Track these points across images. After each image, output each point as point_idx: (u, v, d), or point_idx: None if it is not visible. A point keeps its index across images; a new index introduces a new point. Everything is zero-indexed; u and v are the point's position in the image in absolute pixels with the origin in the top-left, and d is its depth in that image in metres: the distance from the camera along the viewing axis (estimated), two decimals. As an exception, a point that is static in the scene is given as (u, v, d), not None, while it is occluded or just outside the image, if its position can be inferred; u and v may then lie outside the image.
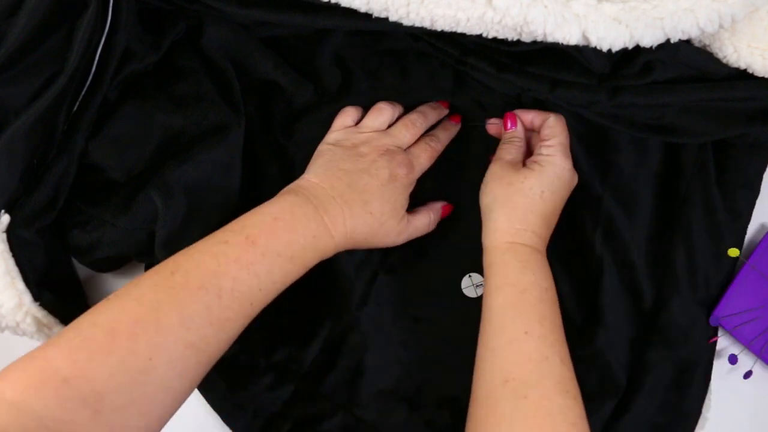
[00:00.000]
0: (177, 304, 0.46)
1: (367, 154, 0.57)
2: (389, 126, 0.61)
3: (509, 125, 0.62)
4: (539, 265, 0.55)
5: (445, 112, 0.64)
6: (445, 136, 0.62)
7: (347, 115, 0.61)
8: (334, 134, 0.60)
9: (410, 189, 0.59)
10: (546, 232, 0.57)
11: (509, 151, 0.60)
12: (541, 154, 0.59)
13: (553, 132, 0.59)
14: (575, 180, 0.59)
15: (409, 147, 0.60)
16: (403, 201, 0.58)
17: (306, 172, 0.58)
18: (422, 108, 0.62)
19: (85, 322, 0.44)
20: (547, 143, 0.59)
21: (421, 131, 0.61)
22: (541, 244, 0.57)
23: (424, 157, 0.60)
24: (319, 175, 0.56)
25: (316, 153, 0.60)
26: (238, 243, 0.50)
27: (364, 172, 0.56)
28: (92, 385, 0.41)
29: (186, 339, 0.45)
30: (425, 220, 0.60)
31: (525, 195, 0.56)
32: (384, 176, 0.56)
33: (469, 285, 0.62)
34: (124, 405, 0.42)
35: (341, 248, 0.55)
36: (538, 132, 0.61)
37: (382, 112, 0.61)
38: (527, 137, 0.62)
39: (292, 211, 0.53)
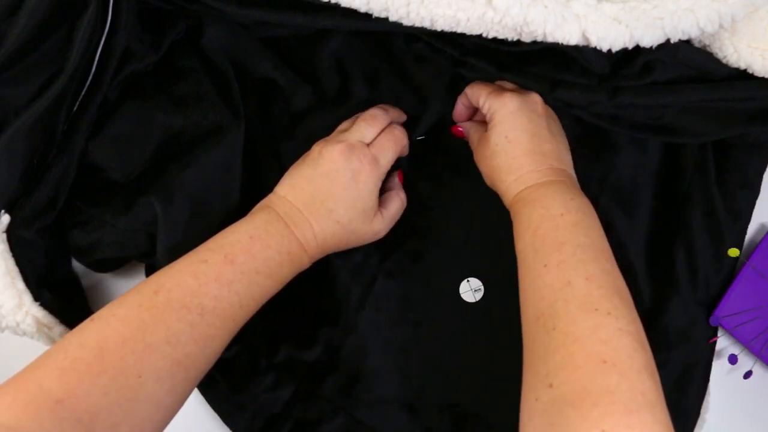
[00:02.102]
0: (162, 323, 0.47)
1: (327, 155, 0.56)
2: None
3: (461, 132, 0.63)
4: (548, 194, 0.53)
5: (404, 117, 0.63)
6: (399, 119, 0.61)
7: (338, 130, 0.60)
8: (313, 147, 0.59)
9: (378, 185, 0.57)
10: (542, 162, 0.55)
11: (471, 136, 0.61)
12: (487, 117, 0.58)
13: (476, 93, 0.59)
14: (529, 101, 0.58)
15: (373, 140, 0.58)
16: (369, 201, 0.56)
17: (278, 185, 0.57)
18: (381, 105, 0.61)
19: (71, 343, 0.45)
20: (481, 105, 0.59)
21: (383, 124, 0.59)
22: (546, 174, 0.55)
23: (389, 148, 0.57)
24: (285, 187, 0.56)
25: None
26: (217, 262, 0.50)
27: (325, 177, 0.55)
28: (85, 405, 0.42)
29: (172, 356, 0.46)
30: (397, 203, 0.59)
31: (496, 153, 0.56)
32: (346, 178, 0.55)
33: (467, 290, 0.62)
34: (117, 422, 0.43)
35: (316, 258, 0.56)
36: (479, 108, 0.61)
37: (353, 119, 0.59)
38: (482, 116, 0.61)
39: (266, 228, 0.53)
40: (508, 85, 0.60)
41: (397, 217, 0.59)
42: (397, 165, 0.62)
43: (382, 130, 0.58)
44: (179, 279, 0.49)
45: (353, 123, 0.59)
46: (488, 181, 0.59)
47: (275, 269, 0.53)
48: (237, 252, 0.51)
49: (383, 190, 0.59)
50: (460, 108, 0.63)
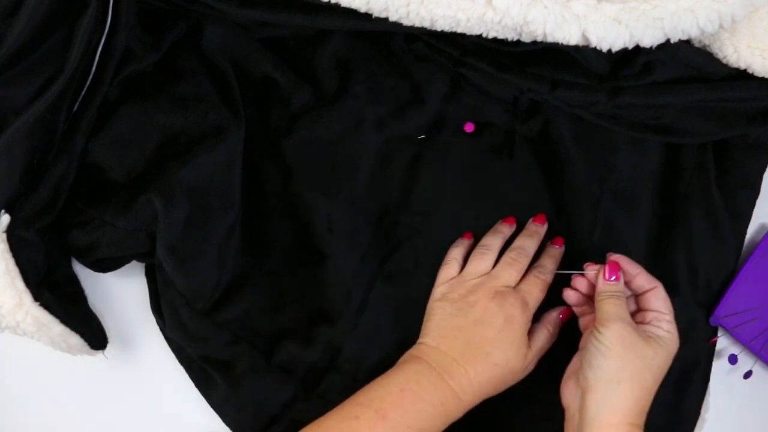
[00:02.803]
0: None
1: (477, 303, 0.56)
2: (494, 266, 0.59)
3: (609, 275, 0.55)
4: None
5: (543, 230, 0.61)
6: (551, 263, 0.60)
7: (449, 267, 0.60)
8: (439, 288, 0.59)
9: (528, 326, 0.56)
10: (639, 418, 0.51)
11: (624, 308, 0.54)
12: (661, 328, 0.54)
13: (667, 306, 0.55)
14: (474, 298, 0.57)
15: (518, 284, 0.58)
16: (523, 341, 0.55)
17: (421, 335, 0.57)
18: (519, 241, 0.60)
19: None
20: (667, 318, 0.54)
21: (526, 266, 0.58)
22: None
23: (536, 292, 0.57)
24: (435, 338, 0.56)
25: (426, 312, 0.59)
26: (369, 418, 0.51)
27: (478, 324, 0.55)
28: None
29: None
30: (544, 337, 0.57)
31: (653, 374, 0.52)
32: (499, 322, 0.55)
33: (467, 289, 0.62)
34: None
35: (472, 405, 0.55)
36: (637, 293, 0.56)
37: (485, 256, 0.59)
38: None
39: (418, 380, 0.53)
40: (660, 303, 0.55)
41: (544, 349, 0.58)
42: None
43: (527, 273, 0.58)
44: None
45: (490, 262, 0.58)
46: (609, 363, 0.51)
47: (428, 422, 0.52)
48: (388, 407, 0.51)
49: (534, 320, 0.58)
50: (595, 271, 0.57)
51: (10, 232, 0.51)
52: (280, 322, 0.61)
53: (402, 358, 0.56)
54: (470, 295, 0.57)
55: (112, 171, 0.57)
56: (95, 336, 0.58)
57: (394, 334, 0.61)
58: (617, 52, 0.52)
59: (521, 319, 0.56)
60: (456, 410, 0.53)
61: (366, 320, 0.61)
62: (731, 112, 0.59)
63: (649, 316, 0.55)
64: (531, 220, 0.62)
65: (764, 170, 0.64)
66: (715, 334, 0.63)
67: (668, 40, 0.52)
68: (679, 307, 0.61)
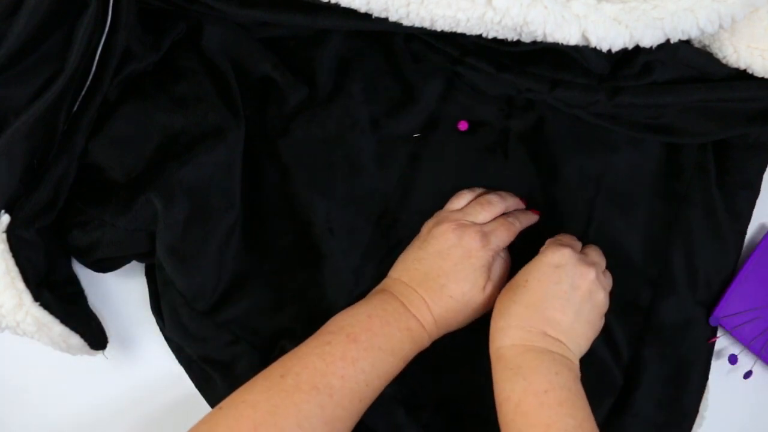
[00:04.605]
0: (292, 406, 0.48)
1: (440, 235, 0.57)
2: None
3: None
4: (533, 365, 0.51)
5: (533, 216, 0.62)
6: (525, 219, 0.60)
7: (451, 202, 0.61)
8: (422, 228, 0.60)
9: (490, 264, 0.56)
10: (540, 324, 0.53)
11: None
12: (540, 251, 0.57)
13: (562, 237, 0.59)
14: (581, 270, 0.54)
15: (488, 222, 0.58)
16: (480, 274, 0.56)
17: (391, 270, 0.59)
18: (502, 192, 0.61)
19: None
20: (551, 240, 0.58)
21: (497, 211, 0.59)
22: (536, 339, 0.52)
23: (501, 231, 0.57)
24: (398, 270, 0.58)
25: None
26: (341, 341, 0.52)
27: (437, 256, 0.56)
28: None
29: None
30: (499, 263, 0.58)
31: (509, 288, 0.55)
32: (457, 254, 0.55)
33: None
34: None
35: (435, 336, 0.56)
36: None
37: (461, 198, 0.60)
38: None
39: (384, 307, 0.54)
40: (591, 251, 0.58)
41: (504, 277, 0.58)
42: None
43: (497, 217, 0.58)
44: (306, 361, 0.50)
45: (466, 204, 0.59)
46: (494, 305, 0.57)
47: (397, 345, 0.53)
48: (359, 330, 0.52)
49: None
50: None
51: (10, 232, 0.51)
52: (280, 322, 0.61)
53: (370, 293, 0.57)
54: (435, 228, 0.57)
55: (112, 171, 0.57)
56: (95, 336, 0.58)
57: None
58: (617, 52, 0.52)
59: (481, 254, 0.56)
60: (422, 337, 0.55)
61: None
62: (731, 112, 0.59)
63: None
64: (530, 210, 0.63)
65: (764, 170, 0.64)
66: (714, 334, 0.63)
67: (668, 41, 0.52)
68: (675, 306, 0.62)
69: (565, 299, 0.53)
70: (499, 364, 0.53)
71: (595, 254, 0.58)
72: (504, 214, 0.59)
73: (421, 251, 0.57)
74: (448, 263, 0.56)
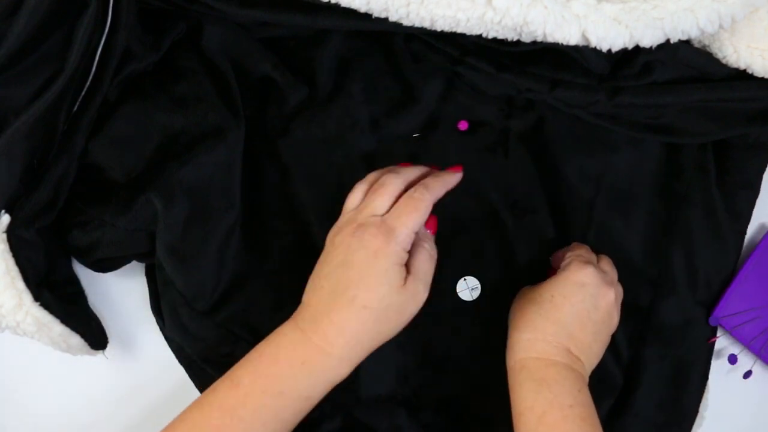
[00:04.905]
0: None
1: (341, 243, 0.50)
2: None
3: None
4: (558, 378, 0.51)
5: (449, 175, 0.55)
6: (436, 183, 0.52)
7: (348, 200, 0.54)
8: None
9: (402, 256, 0.49)
10: (565, 341, 0.52)
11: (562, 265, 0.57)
12: (561, 267, 0.56)
13: (571, 247, 0.58)
14: (603, 291, 0.54)
15: (391, 209, 0.51)
16: (394, 272, 0.49)
17: (305, 292, 0.53)
18: (395, 167, 0.54)
19: None
20: (566, 256, 0.57)
21: (398, 190, 0.52)
22: (560, 354, 0.52)
23: (405, 216, 0.49)
24: (307, 293, 0.51)
25: None
26: (223, 388, 0.49)
27: (341, 266, 0.49)
28: None
29: None
30: (424, 256, 0.51)
31: (534, 302, 0.54)
32: (361, 259, 0.48)
33: (464, 288, 0.62)
34: None
35: (356, 359, 0.50)
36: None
37: (354, 192, 0.54)
38: None
39: (278, 342, 0.50)
40: (606, 266, 0.58)
41: (430, 271, 0.51)
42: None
43: (402, 196, 0.51)
44: (186, 415, 0.49)
45: (362, 197, 0.53)
46: (510, 316, 0.57)
47: (287, 384, 0.48)
48: (242, 374, 0.49)
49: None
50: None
51: (10, 232, 0.51)
52: (280, 322, 0.60)
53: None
54: (336, 236, 0.51)
55: (112, 171, 0.57)
56: (95, 336, 0.58)
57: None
58: (617, 52, 0.52)
59: (387, 250, 0.48)
60: (328, 367, 0.49)
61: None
62: (731, 112, 0.59)
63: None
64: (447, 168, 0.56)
65: (764, 170, 0.64)
66: (714, 334, 0.63)
67: (668, 40, 0.52)
68: (675, 306, 0.62)
69: (587, 319, 0.53)
70: (521, 374, 0.52)
71: (610, 268, 0.58)
72: (408, 190, 0.52)
73: (326, 266, 0.50)
74: (353, 272, 0.48)
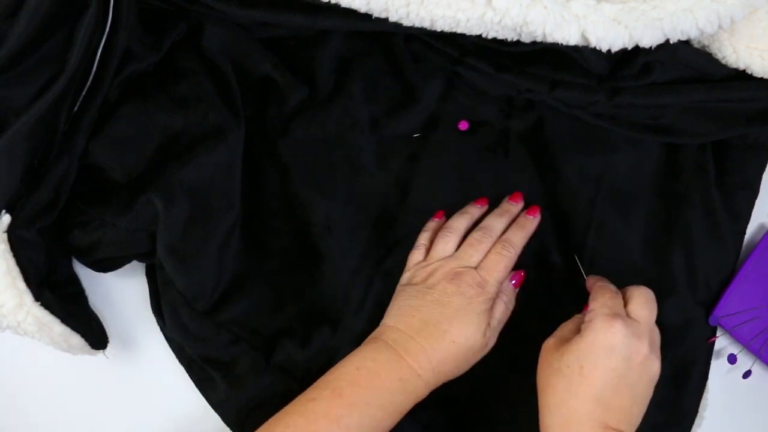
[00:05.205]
0: None
1: (436, 285, 0.56)
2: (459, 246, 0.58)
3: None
4: None
5: (517, 209, 0.61)
6: (519, 236, 0.58)
7: (416, 252, 0.60)
8: (406, 274, 0.59)
9: (490, 305, 0.56)
10: (601, 416, 0.48)
11: (564, 325, 0.54)
12: (584, 323, 0.51)
13: (594, 294, 0.53)
14: (636, 346, 0.49)
15: (481, 262, 0.57)
16: (482, 318, 0.55)
17: (384, 317, 0.57)
18: (487, 221, 0.59)
19: None
20: (590, 308, 0.52)
21: (489, 245, 0.58)
22: None
23: (497, 270, 0.56)
24: (393, 318, 0.56)
25: (392, 297, 0.59)
26: (325, 398, 0.51)
27: (436, 304, 0.55)
28: None
29: None
30: (501, 308, 0.57)
31: (561, 373, 0.50)
32: (456, 302, 0.55)
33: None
34: None
35: (434, 385, 0.54)
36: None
37: (447, 239, 0.59)
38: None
39: (374, 358, 0.53)
40: (638, 308, 0.52)
41: (503, 322, 0.57)
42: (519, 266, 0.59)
43: (494, 247, 0.57)
44: (288, 420, 0.50)
45: (455, 246, 0.58)
46: (538, 384, 0.52)
47: (387, 398, 0.52)
48: (344, 385, 0.51)
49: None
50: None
51: (11, 232, 0.51)
52: (280, 322, 0.61)
53: (364, 342, 0.56)
54: (430, 278, 0.57)
55: (113, 171, 0.57)
56: (96, 336, 0.58)
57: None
58: (617, 53, 0.52)
59: (479, 299, 0.55)
60: (417, 387, 0.53)
61: (365, 318, 0.61)
62: (730, 113, 0.59)
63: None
64: (506, 198, 0.61)
65: (763, 170, 0.64)
66: (713, 334, 0.63)
67: (668, 41, 0.52)
68: (675, 306, 0.62)
69: (622, 384, 0.49)
70: None
71: (641, 308, 0.52)
72: (501, 239, 0.58)
73: (418, 300, 0.56)
74: (449, 310, 0.55)
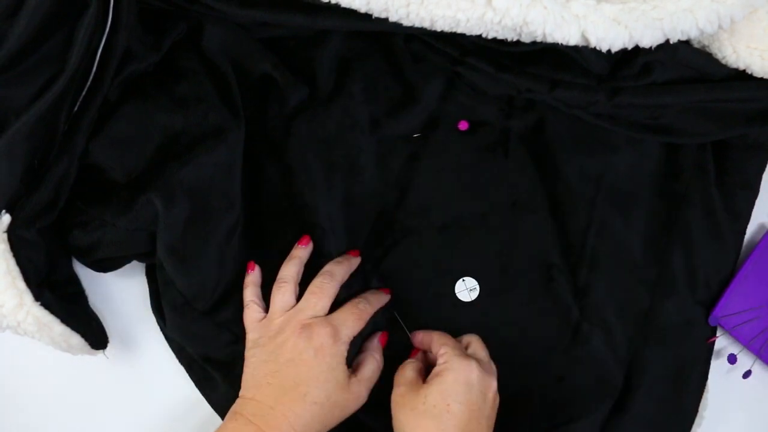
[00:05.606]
0: None
1: (286, 342, 0.54)
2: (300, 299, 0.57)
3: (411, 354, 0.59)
4: None
5: (356, 261, 0.60)
6: (375, 299, 0.59)
7: (250, 310, 0.58)
8: (251, 335, 0.57)
9: (344, 354, 0.55)
10: None
11: (403, 373, 0.56)
12: (438, 365, 0.54)
13: (439, 340, 0.56)
14: (488, 382, 0.54)
15: (334, 312, 0.56)
16: (340, 371, 0.54)
17: (242, 386, 0.55)
18: (327, 267, 0.58)
19: None
20: (440, 352, 0.55)
21: (334, 292, 0.57)
22: None
23: (350, 321, 0.56)
24: (250, 389, 0.54)
25: (245, 361, 0.57)
26: None
27: (290, 363, 0.53)
28: None
29: None
30: (372, 365, 0.57)
31: (429, 415, 0.51)
32: (310, 357, 0.53)
33: (462, 289, 0.62)
34: None
35: None
36: (433, 353, 0.57)
37: (284, 290, 0.57)
38: (427, 358, 0.59)
39: None
40: (479, 349, 0.56)
41: (374, 378, 0.57)
42: (380, 327, 0.60)
43: (345, 304, 0.57)
44: None
45: (292, 296, 0.57)
46: (396, 424, 0.54)
47: None
48: None
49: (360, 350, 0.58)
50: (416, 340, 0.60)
51: (11, 232, 0.51)
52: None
53: (225, 418, 0.54)
54: (278, 336, 0.55)
55: (113, 171, 0.57)
56: (96, 336, 0.58)
57: (392, 333, 0.61)
58: (617, 53, 0.52)
59: (334, 350, 0.54)
60: None
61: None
62: (730, 113, 0.59)
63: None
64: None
65: (763, 170, 0.64)
66: (713, 334, 0.63)
67: (668, 41, 0.52)
68: (675, 306, 0.62)
69: (482, 417, 0.53)
70: None
71: (480, 349, 0.57)
72: (353, 299, 0.58)
73: (270, 364, 0.54)
74: (303, 369, 0.53)
